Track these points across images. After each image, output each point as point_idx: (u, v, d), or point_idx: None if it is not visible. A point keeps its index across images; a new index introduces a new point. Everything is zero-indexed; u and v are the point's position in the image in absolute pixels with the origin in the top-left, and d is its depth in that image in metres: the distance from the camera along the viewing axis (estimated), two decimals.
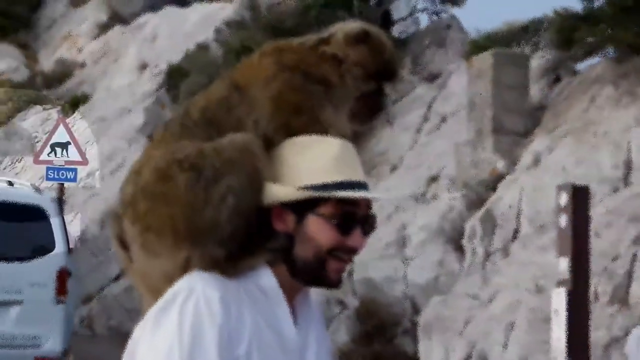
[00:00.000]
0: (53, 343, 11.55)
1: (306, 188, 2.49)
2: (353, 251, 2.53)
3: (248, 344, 2.41)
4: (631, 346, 4.57)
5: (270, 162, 2.56)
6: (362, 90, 2.73)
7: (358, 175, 2.55)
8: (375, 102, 2.81)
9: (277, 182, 2.51)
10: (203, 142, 2.50)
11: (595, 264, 9.35)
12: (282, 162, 2.55)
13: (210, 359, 2.33)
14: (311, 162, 2.52)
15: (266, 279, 2.50)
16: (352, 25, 2.80)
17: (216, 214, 2.43)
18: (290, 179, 2.52)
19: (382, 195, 2.52)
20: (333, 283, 2.56)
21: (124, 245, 2.59)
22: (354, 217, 2.51)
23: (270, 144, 2.57)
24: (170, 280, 2.47)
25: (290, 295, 2.56)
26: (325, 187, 2.49)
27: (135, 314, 2.56)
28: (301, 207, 2.49)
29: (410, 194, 14.27)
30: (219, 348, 2.33)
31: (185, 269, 2.46)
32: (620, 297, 9.58)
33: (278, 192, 2.49)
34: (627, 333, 9.30)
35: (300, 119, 2.58)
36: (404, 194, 13.39)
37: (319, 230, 2.48)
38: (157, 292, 2.50)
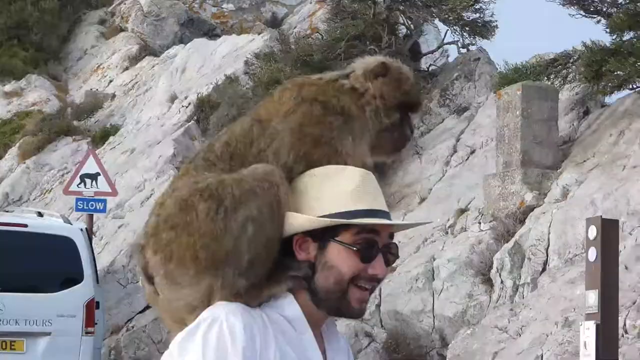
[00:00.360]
0: None
1: (328, 216, 2.48)
2: (375, 279, 2.52)
3: None
4: None
5: (292, 192, 2.55)
6: (385, 123, 2.72)
7: (378, 204, 2.55)
8: (400, 134, 2.79)
9: (299, 211, 2.51)
10: (225, 174, 2.53)
11: (624, 297, 9.27)
12: (304, 191, 2.56)
13: None
14: (332, 190, 2.53)
15: (291, 308, 2.50)
16: (372, 59, 2.81)
17: (236, 243, 2.42)
18: (311, 207, 2.52)
19: (401, 222, 2.45)
20: (355, 313, 2.54)
21: (149, 277, 2.59)
22: (375, 245, 2.49)
23: (290, 174, 2.56)
24: (193, 310, 2.47)
25: (316, 324, 2.55)
26: (346, 214, 2.49)
27: (163, 346, 2.57)
28: (323, 236, 2.48)
29: (434, 224, 14.13)
30: None
31: (208, 299, 2.46)
32: None
33: (299, 220, 2.49)
34: None
35: (321, 149, 2.58)
36: (425, 222, 13.30)
37: (340, 258, 2.47)
38: (182, 323, 2.50)
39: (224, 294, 2.45)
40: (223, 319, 2.38)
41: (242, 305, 2.43)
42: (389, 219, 2.59)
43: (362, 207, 2.50)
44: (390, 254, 2.55)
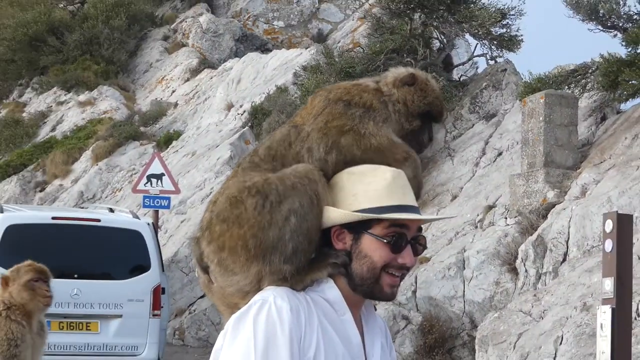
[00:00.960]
0: (149, 352, 11.65)
1: (362, 211, 2.50)
2: (404, 268, 2.54)
3: (316, 348, 2.43)
4: None
5: (332, 188, 2.59)
6: (406, 128, 2.73)
7: (408, 200, 2.56)
8: (417, 141, 2.78)
9: (337, 205, 2.54)
10: (267, 173, 2.58)
11: (637, 284, 9.12)
12: (342, 188, 2.58)
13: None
14: (367, 188, 2.54)
15: (331, 291, 2.53)
16: (403, 69, 2.83)
17: (281, 232, 2.46)
18: (348, 203, 2.55)
19: (427, 217, 2.39)
20: (387, 296, 2.56)
21: (204, 267, 2.63)
22: (404, 237, 2.51)
23: (326, 166, 2.61)
24: (246, 295, 2.53)
25: (354, 307, 2.57)
26: (378, 210, 2.51)
27: (221, 327, 2.65)
28: (357, 228, 2.51)
29: (465, 219, 14.04)
30: (290, 352, 2.36)
31: (258, 284, 2.51)
32: None
33: (337, 214, 2.53)
34: None
35: (346, 136, 2.61)
36: (450, 216, 13.27)
37: (372, 249, 2.49)
38: (235, 308, 2.54)
39: (272, 279, 2.48)
40: (272, 301, 2.41)
41: (289, 289, 2.46)
42: (418, 213, 2.59)
43: (393, 202, 2.52)
44: (418, 244, 2.57)
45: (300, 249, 2.48)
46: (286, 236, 2.47)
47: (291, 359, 2.37)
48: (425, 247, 2.63)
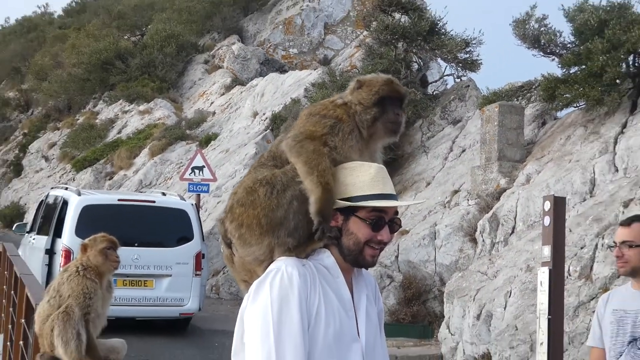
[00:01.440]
0: (192, 303, 11.59)
1: (350, 199, 2.52)
2: (382, 243, 2.54)
3: (318, 304, 2.44)
4: (599, 306, 4.42)
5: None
6: (367, 118, 2.67)
7: (387, 189, 2.56)
8: (388, 121, 2.70)
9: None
10: (273, 169, 2.61)
11: (569, 251, 9.22)
12: (337, 179, 2.56)
13: (293, 315, 2.38)
14: (355, 180, 2.55)
15: (327, 259, 2.53)
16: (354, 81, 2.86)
17: (285, 213, 2.48)
18: (341, 191, 2.55)
19: (399, 203, 2.34)
20: (368, 264, 2.58)
21: (227, 243, 2.65)
22: (383, 219, 2.52)
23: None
24: (261, 263, 2.54)
25: (346, 271, 2.57)
26: (362, 198, 2.51)
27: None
28: (346, 211, 2.52)
29: (436, 200, 14.01)
30: (300, 307, 2.38)
31: (270, 254, 2.51)
32: (586, 274, 9.36)
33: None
34: (590, 299, 9.05)
35: (313, 142, 2.56)
36: (418, 202, 13.44)
37: (357, 228, 2.50)
38: (252, 275, 2.57)
39: (280, 250, 2.49)
40: (284, 269, 2.42)
41: (297, 260, 2.48)
42: (396, 199, 2.59)
43: (375, 192, 2.51)
44: (395, 224, 2.57)
45: (300, 225, 2.48)
46: (290, 216, 2.47)
47: (300, 313, 2.38)
48: (400, 226, 2.64)
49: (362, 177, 2.52)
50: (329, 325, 2.44)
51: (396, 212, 2.58)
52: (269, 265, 2.53)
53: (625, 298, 4.21)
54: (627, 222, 4.25)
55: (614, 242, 4.28)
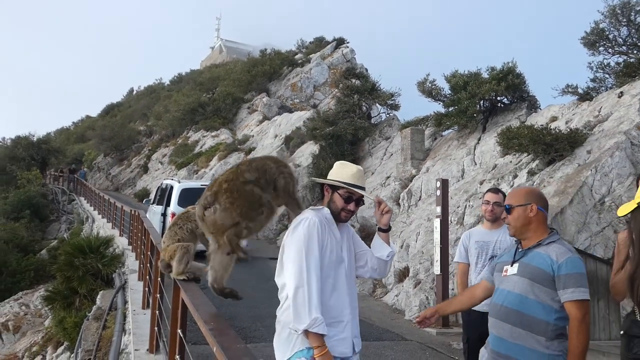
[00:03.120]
0: None
1: (337, 182, 2.97)
2: (351, 211, 3.00)
3: (326, 240, 2.90)
4: (464, 239, 4.96)
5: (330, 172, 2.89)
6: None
7: (359, 182, 3.00)
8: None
9: (329, 177, 3.00)
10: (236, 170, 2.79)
11: (450, 209, 10.46)
12: (332, 170, 3.07)
13: (315, 244, 2.75)
14: (342, 172, 3.03)
15: (327, 214, 2.97)
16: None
17: (256, 214, 2.96)
18: (332, 176, 3.04)
19: (360, 192, 3.84)
20: (342, 221, 3.02)
21: (205, 207, 3.02)
22: (352, 197, 2.98)
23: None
24: (226, 228, 2.98)
25: (338, 221, 2.94)
26: (344, 183, 2.99)
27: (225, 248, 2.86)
28: (334, 189, 2.99)
29: (376, 182, 16.78)
30: (318, 240, 2.78)
31: (234, 225, 2.88)
32: (460, 222, 11.02)
33: (327, 180, 2.96)
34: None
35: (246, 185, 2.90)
36: (373, 193, 15.42)
37: (337, 199, 2.99)
38: (219, 233, 2.92)
39: (239, 228, 2.89)
40: (310, 217, 2.88)
41: (316, 211, 2.86)
42: (363, 189, 3.01)
43: (351, 182, 3.04)
44: (361, 201, 3.04)
45: (257, 226, 2.94)
46: (258, 217, 2.95)
47: (318, 244, 2.75)
48: (363, 203, 3.03)
49: (347, 172, 2.90)
50: (332, 252, 2.74)
51: (362, 195, 2.80)
52: (226, 229, 2.81)
53: (482, 234, 4.59)
54: (495, 191, 4.46)
55: (487, 200, 4.44)
